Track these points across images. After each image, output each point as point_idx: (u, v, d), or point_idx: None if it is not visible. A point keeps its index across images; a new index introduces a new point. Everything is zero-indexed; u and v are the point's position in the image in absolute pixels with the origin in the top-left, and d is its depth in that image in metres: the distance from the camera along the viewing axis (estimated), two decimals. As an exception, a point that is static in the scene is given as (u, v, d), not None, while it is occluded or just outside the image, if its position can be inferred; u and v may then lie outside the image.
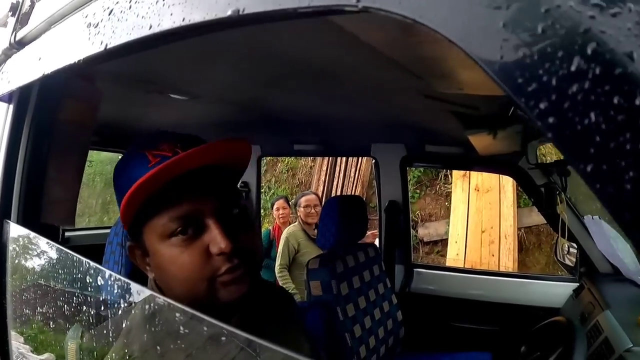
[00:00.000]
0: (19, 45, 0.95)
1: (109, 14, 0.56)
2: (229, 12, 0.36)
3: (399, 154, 2.54)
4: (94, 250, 1.73)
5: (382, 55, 0.96)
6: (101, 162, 6.88)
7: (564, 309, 2.11)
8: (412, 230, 5.33)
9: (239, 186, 3.00)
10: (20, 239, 1.01)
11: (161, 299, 0.64)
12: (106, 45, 0.53)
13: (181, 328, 0.58)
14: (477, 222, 5.14)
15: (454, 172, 5.57)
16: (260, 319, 0.84)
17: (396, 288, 2.50)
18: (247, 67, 1.30)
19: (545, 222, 2.45)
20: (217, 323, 0.51)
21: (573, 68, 0.24)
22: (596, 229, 2.06)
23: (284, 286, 3.36)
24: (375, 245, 2.31)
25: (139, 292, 0.68)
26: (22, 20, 0.95)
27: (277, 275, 3.47)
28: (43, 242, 0.95)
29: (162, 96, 1.64)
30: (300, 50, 1.07)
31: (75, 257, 0.80)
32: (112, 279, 0.73)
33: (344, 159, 6.59)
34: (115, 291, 0.72)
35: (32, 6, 0.96)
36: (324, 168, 6.86)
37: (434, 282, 2.58)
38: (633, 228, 0.23)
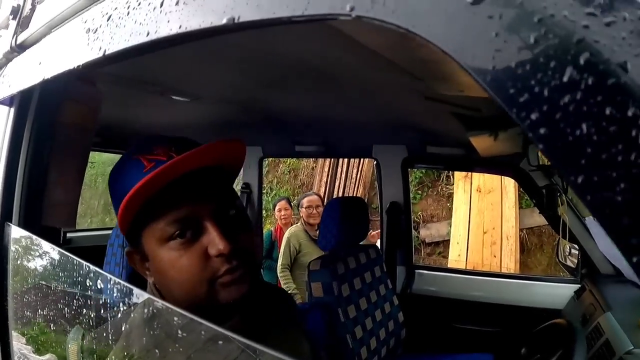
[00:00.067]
0: (19, 48, 0.95)
1: (108, 20, 0.56)
2: (224, 20, 0.36)
3: (400, 155, 2.53)
4: (95, 251, 1.74)
5: (382, 57, 0.96)
6: (103, 163, 6.90)
7: (566, 310, 2.11)
8: (414, 231, 5.34)
9: (240, 187, 3.03)
10: (22, 241, 1.01)
11: (159, 302, 0.65)
12: (105, 51, 0.54)
13: (179, 332, 0.58)
14: (478, 223, 5.14)
15: (456, 173, 5.57)
16: (261, 320, 0.85)
17: (397, 289, 2.49)
18: (248, 69, 1.30)
19: (547, 223, 2.44)
20: (216, 328, 0.51)
21: (565, 78, 0.24)
22: (597, 230, 2.05)
23: (285, 286, 3.37)
24: (377, 247, 2.31)
25: (139, 296, 0.68)
26: (23, 23, 0.95)
27: (278, 275, 3.48)
28: (44, 245, 0.95)
29: (163, 97, 1.65)
30: (302, 51, 1.07)
31: (75, 260, 0.81)
32: (111, 282, 0.74)
33: (345, 160, 6.59)
34: (115, 294, 0.73)
35: (32, 9, 0.96)
36: (326, 169, 6.86)
37: (435, 284, 2.57)
38: (623, 238, 0.23)
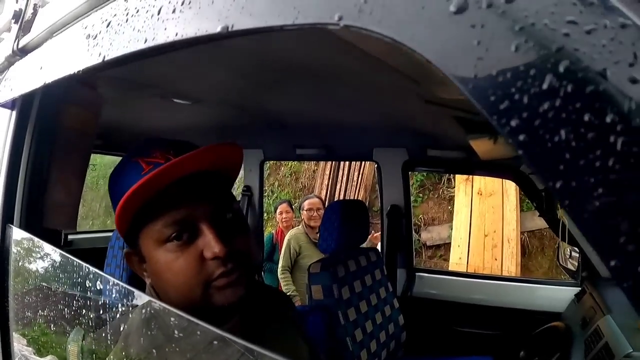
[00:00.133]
0: (21, 52, 0.96)
1: (107, 26, 0.57)
2: (218, 29, 0.37)
3: (401, 158, 2.54)
4: (96, 253, 1.75)
5: (381, 60, 0.97)
6: (105, 166, 6.91)
7: (566, 313, 2.11)
8: (415, 234, 5.34)
9: (241, 190, 3.03)
10: (23, 243, 1.02)
11: (157, 303, 0.65)
12: (104, 57, 0.54)
13: (177, 333, 0.59)
14: (480, 226, 5.13)
15: (457, 176, 5.56)
16: (259, 322, 0.85)
17: (398, 292, 2.49)
18: (249, 72, 1.31)
19: (548, 226, 2.44)
20: (215, 330, 0.52)
21: (545, 86, 0.24)
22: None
23: (285, 288, 3.38)
24: (377, 250, 2.31)
25: (137, 297, 0.69)
26: (25, 27, 0.96)
27: (279, 277, 3.48)
28: (45, 246, 0.96)
29: (164, 100, 1.66)
30: (302, 55, 1.08)
31: (76, 262, 0.82)
32: (110, 283, 0.75)
33: (347, 163, 6.59)
34: (114, 296, 0.73)
35: (34, 14, 0.97)
36: (327, 172, 6.86)
37: (435, 286, 2.57)
38: (601, 242, 0.23)
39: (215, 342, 0.56)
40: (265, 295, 0.95)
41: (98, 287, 0.77)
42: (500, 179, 4.82)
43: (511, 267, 4.89)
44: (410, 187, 2.93)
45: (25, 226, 1.00)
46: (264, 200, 3.21)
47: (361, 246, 2.21)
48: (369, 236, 3.51)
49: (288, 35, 0.91)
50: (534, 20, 0.25)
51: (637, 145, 0.23)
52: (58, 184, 1.05)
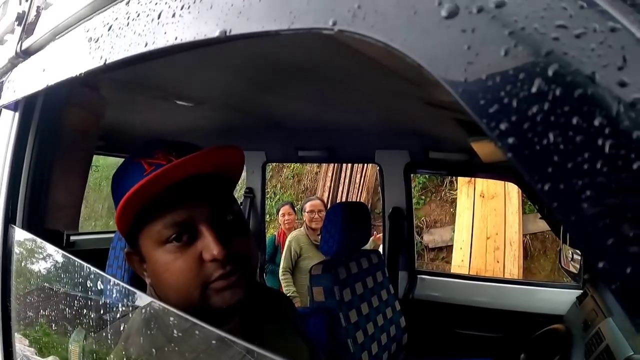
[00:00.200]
0: (24, 54, 0.97)
1: (109, 30, 0.58)
2: (217, 33, 0.38)
3: (402, 160, 2.54)
4: (98, 254, 1.75)
5: (381, 63, 0.98)
6: (108, 167, 6.94)
7: (567, 316, 2.10)
8: (417, 236, 5.33)
9: (243, 192, 3.04)
10: (25, 243, 1.03)
11: (157, 303, 0.66)
12: (105, 60, 0.55)
13: (176, 333, 0.59)
14: (482, 228, 5.12)
15: (459, 178, 5.55)
16: (259, 323, 0.86)
17: (400, 294, 2.49)
18: (252, 74, 1.31)
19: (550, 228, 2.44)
20: (214, 330, 0.52)
21: (534, 89, 0.25)
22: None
23: (286, 289, 3.38)
24: (379, 252, 2.31)
25: (138, 298, 0.69)
26: (28, 29, 0.97)
27: (280, 278, 3.49)
28: (47, 247, 0.96)
29: (167, 102, 1.66)
30: (304, 57, 1.09)
31: (77, 263, 0.82)
32: (112, 284, 0.75)
33: (349, 165, 6.59)
34: (116, 296, 0.74)
35: (37, 16, 0.98)
36: (330, 174, 6.86)
37: (437, 289, 2.57)
38: (590, 244, 0.24)
39: (215, 344, 0.56)
40: (266, 297, 0.95)
41: (99, 288, 0.78)
42: (503, 182, 4.82)
43: (513, 269, 4.88)
44: (413, 189, 2.93)
45: (27, 227, 1.01)
46: (266, 202, 3.22)
47: (364, 247, 2.21)
48: (372, 237, 3.52)
49: (290, 38, 0.91)
50: (523, 24, 0.25)
51: (625, 148, 0.23)
52: (60, 185, 1.05)
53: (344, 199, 6.56)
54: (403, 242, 2.61)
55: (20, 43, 0.98)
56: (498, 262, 4.95)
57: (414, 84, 1.14)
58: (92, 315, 0.78)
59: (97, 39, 0.61)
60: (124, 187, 0.70)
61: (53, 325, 0.94)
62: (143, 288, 0.79)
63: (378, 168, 2.66)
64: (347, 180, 6.70)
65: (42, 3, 0.98)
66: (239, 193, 3.34)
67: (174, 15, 0.45)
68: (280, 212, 4.15)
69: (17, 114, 1.02)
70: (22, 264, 1.03)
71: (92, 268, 0.76)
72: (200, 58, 1.13)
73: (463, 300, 2.47)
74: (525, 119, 0.25)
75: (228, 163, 0.77)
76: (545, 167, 0.24)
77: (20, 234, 1.00)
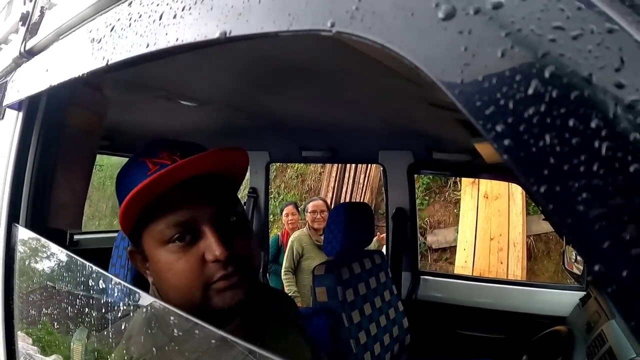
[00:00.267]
0: (28, 54, 0.97)
1: (111, 31, 0.58)
2: (217, 34, 0.38)
3: (406, 161, 2.53)
4: (102, 253, 1.76)
5: (384, 63, 0.97)
6: (112, 167, 6.97)
7: (570, 318, 2.09)
8: (420, 237, 5.32)
9: (247, 192, 3.05)
10: (28, 242, 1.03)
11: (159, 303, 0.66)
12: (107, 61, 0.56)
13: (177, 333, 0.59)
14: (485, 229, 5.11)
15: (463, 179, 5.54)
16: (262, 324, 0.86)
17: (402, 295, 2.49)
18: (256, 74, 1.32)
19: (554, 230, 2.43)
20: (216, 331, 0.52)
21: (530, 91, 0.25)
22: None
23: (287, 289, 3.39)
24: (382, 252, 2.31)
25: (140, 298, 0.70)
26: (32, 30, 0.98)
27: (282, 278, 3.50)
28: (50, 246, 0.97)
29: (171, 102, 1.67)
30: (308, 58, 1.09)
31: (80, 262, 0.82)
32: (114, 283, 0.75)
33: (353, 165, 6.59)
34: (118, 295, 0.74)
35: (41, 16, 0.98)
36: (334, 174, 6.86)
37: (440, 290, 2.57)
38: (585, 247, 0.24)
39: (217, 344, 0.56)
40: (269, 297, 0.95)
41: (102, 287, 0.78)
42: (506, 183, 4.80)
43: (517, 270, 4.86)
44: (417, 190, 2.92)
45: (30, 226, 1.01)
46: (270, 202, 3.22)
47: (368, 247, 2.21)
48: (375, 237, 3.52)
49: (294, 39, 0.91)
50: (520, 26, 0.25)
51: (622, 150, 0.23)
52: (63, 185, 1.06)
53: (347, 199, 6.56)
54: (406, 242, 2.61)
55: (24, 43, 0.98)
56: (502, 263, 4.93)
57: (417, 84, 1.14)
58: (94, 315, 0.78)
59: (100, 40, 0.61)
60: (128, 186, 0.70)
61: (56, 324, 0.95)
62: (146, 287, 0.79)
63: (382, 168, 2.66)
64: (351, 181, 6.70)
65: (46, 3, 0.99)
66: (242, 193, 3.35)
67: (175, 17, 0.45)
68: (284, 212, 4.15)
69: (20, 114, 1.02)
70: (25, 263, 1.03)
71: (95, 267, 0.76)
72: (204, 58, 1.13)
73: (466, 301, 2.46)
74: (521, 120, 0.25)
75: (232, 164, 0.78)
76: (542, 169, 0.24)
77: (23, 233, 1.00)
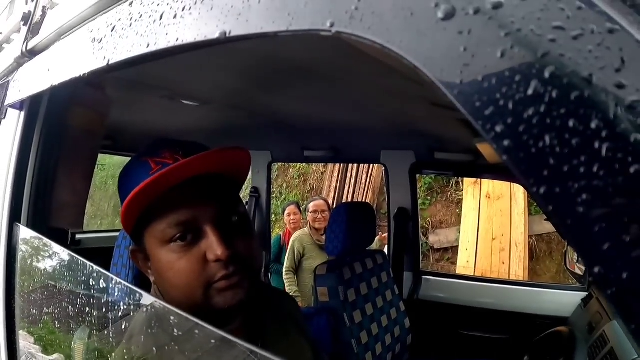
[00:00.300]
0: (30, 54, 0.97)
1: (112, 31, 0.58)
2: (217, 35, 0.38)
3: (408, 161, 2.53)
4: (104, 252, 1.76)
5: (386, 63, 0.97)
6: (114, 166, 6.99)
7: (572, 318, 2.09)
8: (422, 237, 5.32)
9: (249, 192, 3.05)
10: (30, 241, 1.03)
11: (159, 302, 0.66)
12: (108, 60, 0.56)
13: (178, 332, 0.59)
14: (487, 229, 5.11)
15: (465, 179, 5.54)
16: (263, 324, 0.86)
17: (404, 295, 2.49)
18: (258, 74, 1.32)
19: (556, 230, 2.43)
20: (217, 331, 0.52)
21: (530, 92, 0.24)
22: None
23: (288, 289, 3.39)
24: (384, 252, 2.31)
25: (142, 297, 0.70)
26: (34, 29, 0.98)
27: (283, 277, 3.50)
28: (52, 246, 0.97)
29: (173, 102, 1.67)
30: (310, 57, 1.09)
31: (81, 261, 0.83)
32: (115, 282, 0.75)
33: (355, 165, 6.59)
34: (119, 295, 0.74)
35: (43, 16, 0.98)
36: (336, 174, 6.86)
37: (442, 290, 2.56)
38: (585, 249, 0.24)
39: (218, 344, 0.56)
40: (271, 297, 0.95)
41: (103, 286, 0.78)
42: (509, 183, 4.79)
43: (519, 270, 4.86)
44: (419, 190, 2.92)
45: (32, 225, 1.01)
46: (272, 201, 3.22)
47: (370, 247, 2.21)
48: (377, 237, 3.52)
49: (296, 39, 0.91)
50: (520, 26, 0.25)
51: (622, 151, 0.22)
52: (65, 184, 1.06)
53: (349, 199, 6.56)
54: (408, 242, 2.61)
55: (26, 43, 0.98)
56: (503, 263, 4.93)
57: (419, 84, 1.13)
58: (96, 314, 0.78)
59: (101, 40, 0.61)
60: (130, 185, 0.70)
61: (57, 323, 0.95)
62: (148, 287, 0.79)
63: (384, 168, 2.66)
64: (353, 181, 6.70)
65: (48, 3, 0.99)
66: (244, 193, 3.35)
67: (175, 17, 0.45)
68: (286, 212, 4.16)
69: (22, 114, 1.02)
70: (27, 262, 1.03)
71: (96, 267, 0.76)
72: (206, 58, 1.13)
73: (467, 302, 2.46)
74: (521, 121, 0.24)
75: (234, 164, 0.78)
76: (541, 170, 0.24)
77: (25, 232, 1.00)
